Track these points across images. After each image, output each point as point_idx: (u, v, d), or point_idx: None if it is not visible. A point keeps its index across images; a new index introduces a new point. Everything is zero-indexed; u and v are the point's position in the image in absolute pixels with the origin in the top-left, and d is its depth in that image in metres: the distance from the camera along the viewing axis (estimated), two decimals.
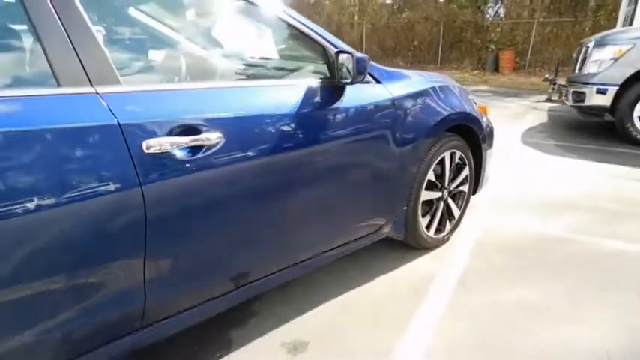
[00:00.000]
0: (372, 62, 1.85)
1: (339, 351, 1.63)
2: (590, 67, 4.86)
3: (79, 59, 1.10)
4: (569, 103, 5.13)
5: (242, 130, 1.37)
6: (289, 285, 1.96)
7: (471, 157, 2.39)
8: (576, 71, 5.21)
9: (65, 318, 1.11)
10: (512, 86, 10.21)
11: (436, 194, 2.25)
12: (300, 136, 1.52)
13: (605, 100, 4.67)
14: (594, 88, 4.72)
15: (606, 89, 4.64)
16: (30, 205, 0.98)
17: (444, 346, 1.65)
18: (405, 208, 2.07)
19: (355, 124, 1.72)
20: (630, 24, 6.83)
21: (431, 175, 2.15)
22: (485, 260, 2.28)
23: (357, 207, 1.88)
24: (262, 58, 1.82)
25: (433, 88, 2.14)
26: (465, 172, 2.38)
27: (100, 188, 1.08)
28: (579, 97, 4.88)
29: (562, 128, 5.64)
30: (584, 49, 5.11)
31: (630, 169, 3.84)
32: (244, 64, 1.79)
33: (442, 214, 2.32)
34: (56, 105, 1.06)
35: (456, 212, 2.42)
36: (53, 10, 1.07)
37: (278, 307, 1.86)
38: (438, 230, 2.33)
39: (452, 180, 2.33)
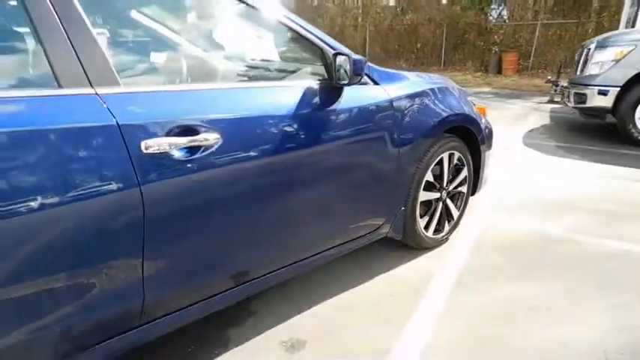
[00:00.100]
0: (369, 64, 1.87)
1: (336, 350, 1.64)
2: (591, 69, 4.86)
3: (80, 61, 1.12)
4: (571, 104, 5.13)
5: (240, 131, 1.39)
6: (288, 284, 1.98)
7: (469, 158, 2.40)
8: (578, 73, 5.21)
9: (64, 315, 1.13)
10: (514, 88, 10.20)
11: (434, 195, 2.26)
12: (298, 137, 1.54)
13: (606, 102, 4.67)
14: (596, 89, 4.71)
15: (608, 91, 4.64)
16: (30, 204, 1.00)
17: (443, 345, 1.66)
18: (403, 208, 2.08)
19: (352, 125, 1.74)
20: (633, 26, 6.80)
21: (429, 176, 2.16)
22: (484, 260, 2.29)
23: (354, 207, 1.89)
24: (260, 60, 1.84)
25: (432, 90, 2.15)
26: (464, 172, 2.39)
27: (99, 187, 1.10)
28: (581, 98, 4.88)
29: (564, 130, 5.63)
30: (585, 50, 5.10)
31: (631, 171, 3.83)
32: (243, 66, 1.81)
33: (441, 214, 2.33)
34: (57, 105, 1.08)
35: (455, 213, 2.42)
36: (54, 12, 1.09)
37: (276, 306, 1.88)
38: (437, 230, 2.34)
39: (450, 181, 2.34)
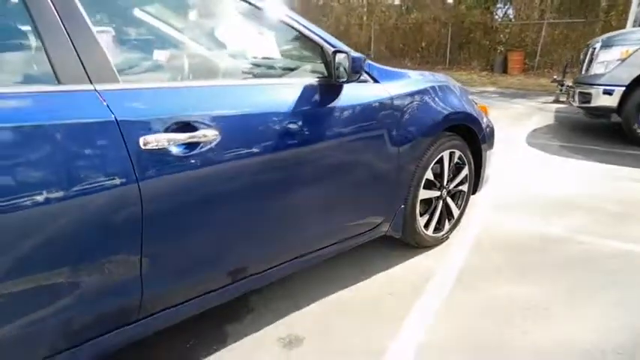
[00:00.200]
0: (370, 62, 1.87)
1: (334, 348, 1.64)
2: (597, 68, 4.83)
3: (79, 58, 1.13)
4: (576, 104, 5.10)
5: (238, 128, 1.40)
6: (288, 282, 1.98)
7: (470, 156, 2.40)
8: (583, 72, 5.18)
9: (63, 308, 1.14)
10: (520, 87, 10.16)
11: (435, 193, 2.26)
12: (296, 134, 1.54)
13: (611, 101, 4.64)
14: (601, 89, 4.69)
15: (613, 90, 4.61)
16: (28, 199, 1.01)
17: (441, 344, 1.66)
18: (402, 206, 2.08)
19: (352, 123, 1.74)
20: None
21: (429, 174, 2.16)
22: (484, 259, 2.28)
23: (352, 204, 1.89)
24: (260, 58, 1.85)
25: (432, 88, 2.15)
26: (465, 171, 2.39)
27: (97, 183, 1.11)
28: (585, 98, 4.85)
29: (568, 129, 5.60)
30: (590, 50, 5.07)
31: (635, 171, 3.81)
32: (242, 64, 1.82)
33: (441, 213, 2.33)
34: (56, 101, 1.09)
35: (455, 211, 2.42)
36: (54, 10, 1.11)
37: (275, 303, 1.89)
38: (437, 229, 2.34)
39: (451, 179, 2.33)
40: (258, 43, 1.80)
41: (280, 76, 1.82)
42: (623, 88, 4.55)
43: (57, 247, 1.09)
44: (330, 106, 1.66)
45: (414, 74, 2.15)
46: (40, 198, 1.02)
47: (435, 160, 2.15)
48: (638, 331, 1.72)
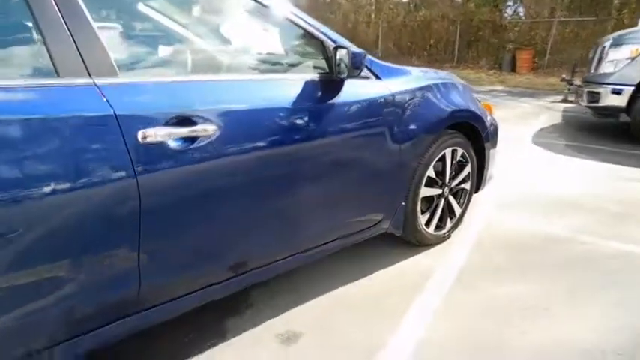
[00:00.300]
0: (372, 58, 1.86)
1: (331, 343, 1.65)
2: (605, 67, 4.77)
3: (78, 51, 1.14)
4: (584, 103, 5.05)
5: (238, 123, 1.40)
6: (288, 277, 1.99)
7: (473, 155, 2.38)
8: (592, 71, 5.12)
9: (62, 298, 1.15)
10: (528, 86, 10.07)
11: (436, 191, 2.24)
12: (296, 129, 1.55)
13: (620, 101, 4.58)
14: (609, 88, 4.63)
15: (622, 89, 4.55)
16: (26, 192, 1.02)
17: (439, 342, 1.65)
18: (403, 204, 2.08)
19: (352, 119, 1.74)
20: None
21: (431, 172, 2.15)
22: (485, 258, 2.27)
23: (352, 201, 1.89)
24: (261, 53, 1.85)
25: (435, 85, 2.14)
26: (467, 169, 2.38)
27: (96, 176, 1.12)
28: (594, 97, 4.80)
29: (575, 129, 5.55)
30: (600, 48, 5.01)
31: None
32: (244, 59, 1.82)
33: (442, 211, 2.32)
34: (55, 95, 1.10)
35: (457, 210, 2.41)
36: (54, 3, 1.11)
37: (275, 298, 1.89)
38: (438, 227, 2.33)
39: (453, 177, 2.32)
40: (259, 38, 1.80)
41: (281, 71, 1.82)
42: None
43: (55, 239, 1.10)
44: (330, 101, 1.66)
45: (416, 71, 2.14)
46: (37, 191, 1.03)
47: (437, 157, 2.14)
48: (638, 331, 1.70)
